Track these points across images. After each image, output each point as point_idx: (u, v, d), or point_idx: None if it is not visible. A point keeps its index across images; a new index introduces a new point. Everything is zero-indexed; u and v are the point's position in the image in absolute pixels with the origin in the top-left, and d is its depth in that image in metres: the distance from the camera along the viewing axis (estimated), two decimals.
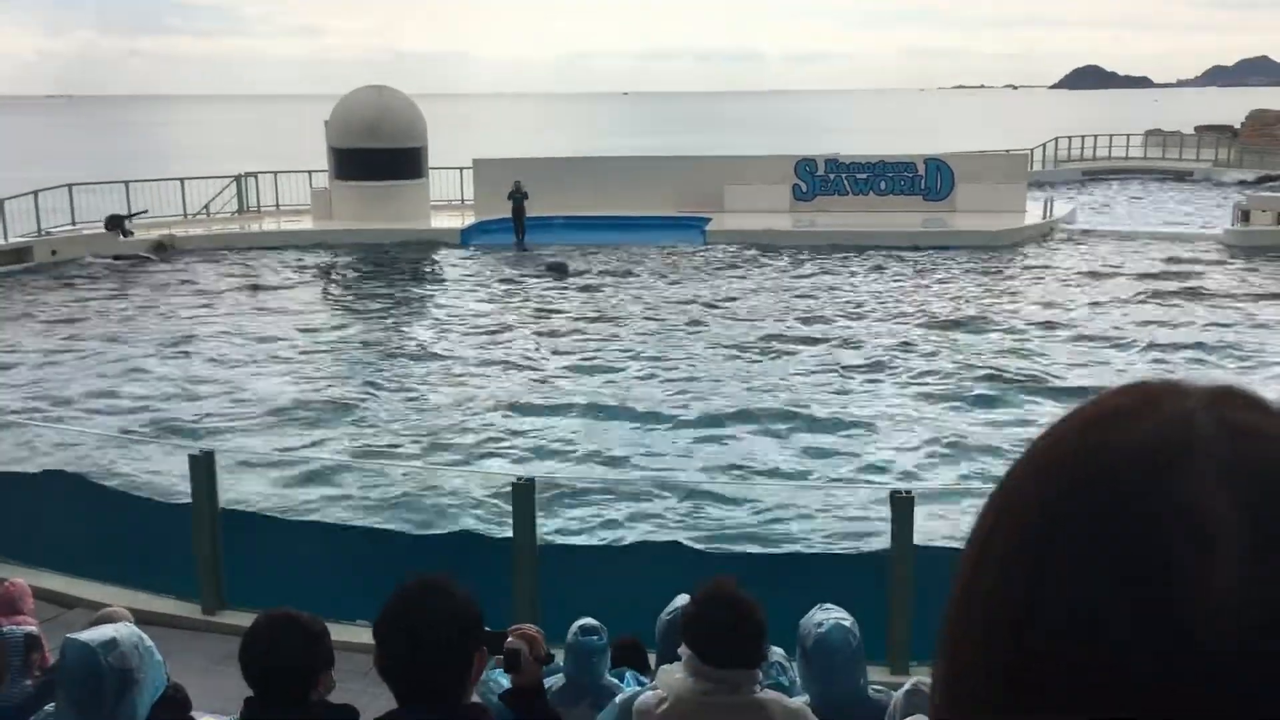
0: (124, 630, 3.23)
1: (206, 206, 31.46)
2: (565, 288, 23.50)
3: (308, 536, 9.11)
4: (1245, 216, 28.61)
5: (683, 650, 3.33)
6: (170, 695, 3.60)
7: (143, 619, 5.39)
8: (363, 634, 7.39)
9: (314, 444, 13.98)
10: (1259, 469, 0.54)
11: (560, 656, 4.44)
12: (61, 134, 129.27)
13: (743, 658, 3.27)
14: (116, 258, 26.29)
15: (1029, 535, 0.57)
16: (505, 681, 3.65)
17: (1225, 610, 0.51)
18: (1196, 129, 57.12)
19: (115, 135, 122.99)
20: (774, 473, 12.82)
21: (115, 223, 27.39)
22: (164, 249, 27.26)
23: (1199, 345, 18.40)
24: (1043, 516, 0.57)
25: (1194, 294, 22.36)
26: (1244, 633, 0.50)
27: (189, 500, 8.43)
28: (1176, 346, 18.36)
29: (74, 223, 27.90)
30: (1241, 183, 41.77)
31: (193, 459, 8.35)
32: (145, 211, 28.72)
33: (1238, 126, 57.27)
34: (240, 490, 11.20)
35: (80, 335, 19.83)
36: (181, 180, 31.00)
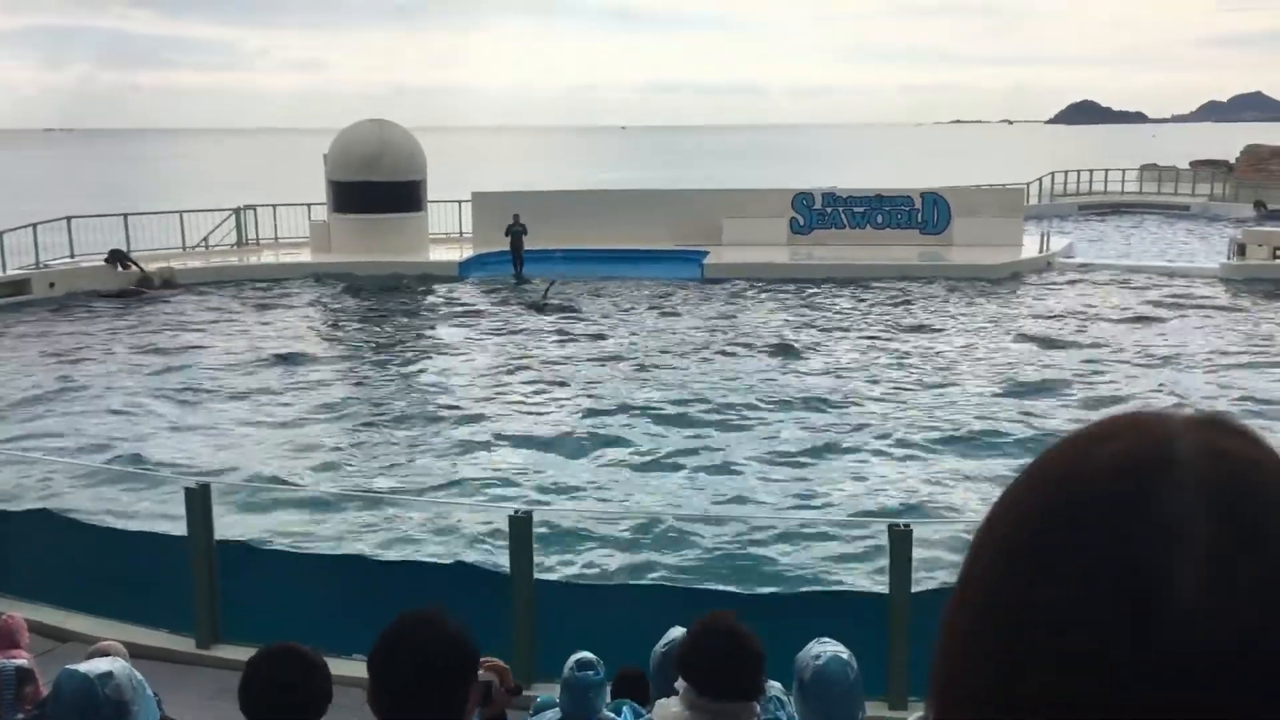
0: (118, 663, 3.22)
1: (205, 239, 31.53)
2: (562, 320, 23.50)
3: (303, 570, 9.06)
4: (1241, 250, 28.73)
5: (679, 683, 3.30)
6: None
7: (136, 653, 5.37)
8: (357, 668, 7.35)
9: (309, 476, 13.94)
10: (1236, 486, 0.58)
11: (556, 691, 4.41)
12: (61, 167, 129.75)
13: (741, 689, 3.23)
14: (102, 293, 26.15)
15: (1022, 546, 0.60)
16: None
17: (1201, 618, 0.54)
18: (1191, 164, 57.41)
19: (115, 168, 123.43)
20: (773, 506, 12.79)
21: (117, 257, 27.42)
22: (148, 282, 26.82)
23: (1191, 377, 18.44)
24: (1034, 529, 0.60)
25: (1189, 327, 22.42)
26: (1219, 639, 0.54)
27: (184, 534, 8.40)
28: (1168, 378, 18.38)
29: (72, 255, 27.94)
30: (1262, 212, 41.25)
31: (189, 492, 8.33)
32: (140, 269, 28.03)
33: (1233, 161, 57.57)
34: (234, 523, 11.16)
35: (75, 368, 19.82)
36: (180, 213, 31.08)
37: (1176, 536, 0.56)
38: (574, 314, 24.19)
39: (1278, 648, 0.54)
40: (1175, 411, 0.63)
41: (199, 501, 8.18)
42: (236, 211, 32.50)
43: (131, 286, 26.61)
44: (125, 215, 29.31)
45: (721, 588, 9.57)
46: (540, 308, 24.53)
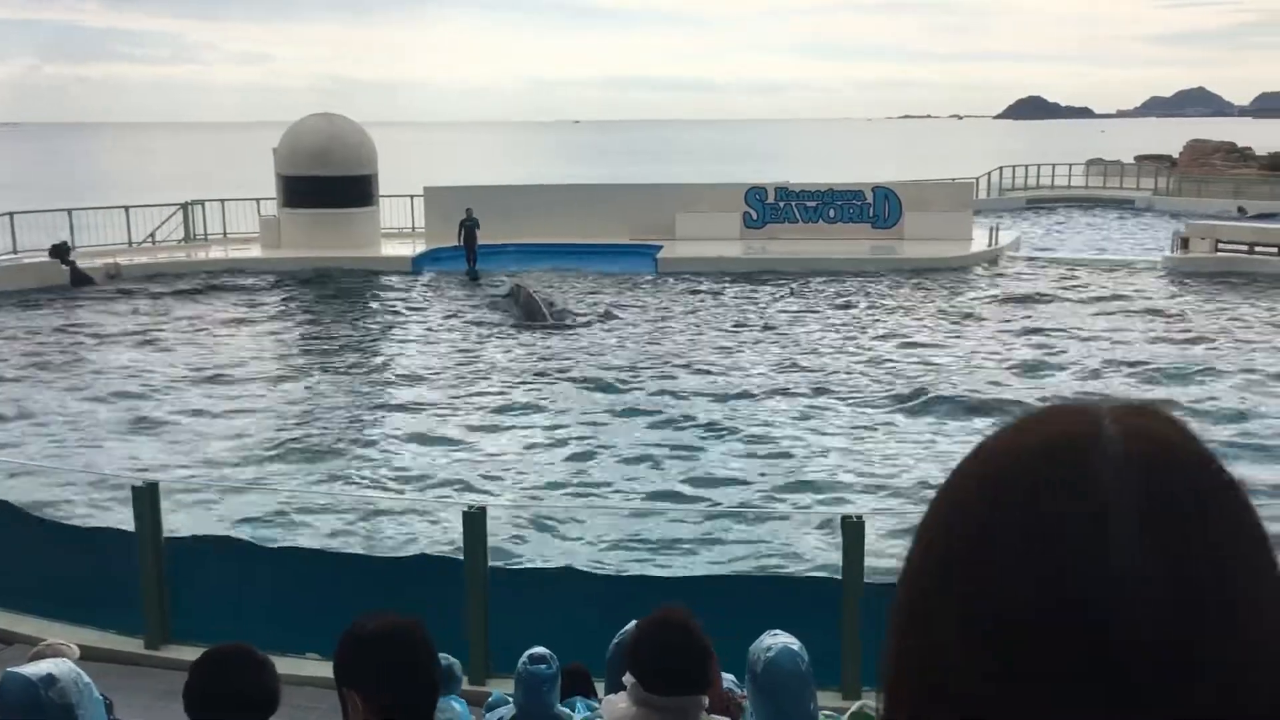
0: (62, 666, 3.16)
1: (152, 235, 31.03)
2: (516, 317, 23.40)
3: (254, 568, 8.95)
4: (1184, 244, 29.28)
5: (627, 679, 3.30)
6: None
7: (84, 654, 5.28)
8: (309, 666, 7.30)
9: (260, 473, 13.79)
10: (1155, 465, 0.62)
11: (510, 686, 4.40)
12: (4, 161, 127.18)
13: (688, 684, 3.24)
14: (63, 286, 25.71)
15: (960, 525, 0.65)
16: None
17: (1124, 586, 0.58)
18: (1136, 159, 58.33)
19: (60, 163, 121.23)
20: (725, 497, 12.84)
21: (59, 252, 26.94)
22: (86, 280, 26.27)
23: (1134, 367, 18.75)
24: (973, 508, 0.64)
25: (1131, 318, 22.81)
26: (1143, 606, 0.57)
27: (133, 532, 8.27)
28: (1112, 368, 18.67)
29: (15, 251, 27.42)
30: (1243, 215, 41.14)
31: (136, 490, 8.21)
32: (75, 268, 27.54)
33: (1176, 156, 58.57)
34: (183, 522, 11.02)
35: (16, 366, 19.46)
36: (126, 208, 30.55)
37: (1097, 515, 0.59)
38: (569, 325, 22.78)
39: (1210, 616, 0.57)
40: (1099, 400, 0.68)
41: (147, 500, 8.07)
42: (184, 206, 32.04)
43: (93, 277, 26.08)
44: (69, 210, 28.78)
45: (674, 576, 9.59)
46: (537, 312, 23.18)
